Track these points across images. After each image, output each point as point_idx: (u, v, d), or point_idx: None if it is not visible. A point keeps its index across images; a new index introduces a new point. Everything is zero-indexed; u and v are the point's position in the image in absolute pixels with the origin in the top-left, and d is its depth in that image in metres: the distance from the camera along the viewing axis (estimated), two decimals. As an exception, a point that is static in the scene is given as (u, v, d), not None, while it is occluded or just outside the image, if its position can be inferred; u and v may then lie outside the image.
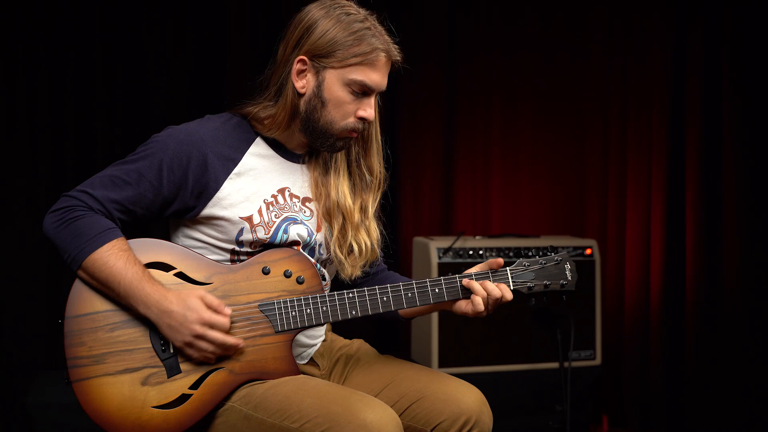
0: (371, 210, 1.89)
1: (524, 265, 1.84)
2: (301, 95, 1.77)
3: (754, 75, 3.25)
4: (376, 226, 1.90)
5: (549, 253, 1.88)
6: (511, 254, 3.27)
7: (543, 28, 3.88)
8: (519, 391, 3.24)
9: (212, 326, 1.64)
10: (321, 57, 1.74)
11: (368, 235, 1.87)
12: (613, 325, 3.65)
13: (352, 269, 1.86)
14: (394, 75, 3.98)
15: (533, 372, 3.28)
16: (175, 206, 1.74)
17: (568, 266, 1.86)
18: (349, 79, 1.74)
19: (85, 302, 1.68)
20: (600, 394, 3.49)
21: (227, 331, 1.67)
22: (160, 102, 3.46)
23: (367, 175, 1.89)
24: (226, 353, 1.68)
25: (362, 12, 1.78)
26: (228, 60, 3.56)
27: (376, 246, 1.89)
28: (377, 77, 1.76)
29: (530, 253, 1.88)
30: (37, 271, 3.32)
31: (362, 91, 1.76)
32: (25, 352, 3.30)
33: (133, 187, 1.70)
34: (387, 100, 3.76)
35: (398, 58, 1.80)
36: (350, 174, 1.89)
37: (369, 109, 1.78)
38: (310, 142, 1.82)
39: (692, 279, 3.41)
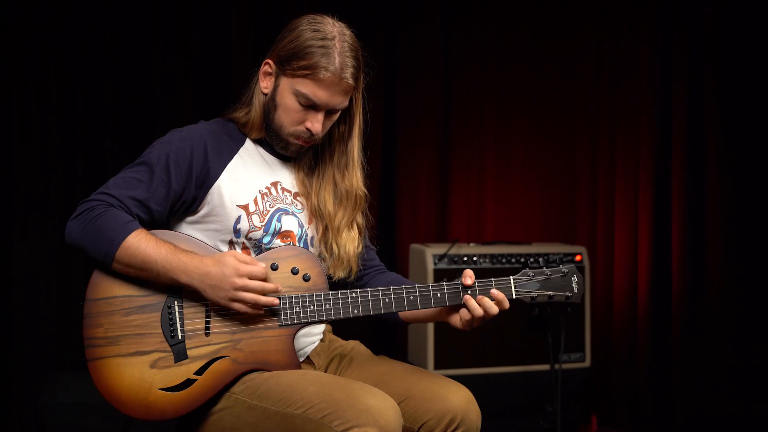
0: (344, 222, 1.93)
1: (529, 275, 1.82)
2: (265, 95, 1.87)
3: (737, 87, 3.33)
4: (354, 238, 1.94)
5: (557, 265, 1.86)
6: (503, 261, 3.32)
7: (534, 41, 3.94)
8: (511, 392, 3.29)
9: (250, 276, 1.69)
10: (281, 63, 1.82)
11: (349, 243, 1.92)
12: (602, 328, 3.70)
13: (334, 270, 1.92)
14: (392, 87, 4.04)
15: (525, 374, 3.33)
16: (183, 198, 1.82)
17: (575, 278, 1.84)
18: (296, 90, 1.80)
19: (105, 287, 1.74)
20: (589, 394, 3.53)
21: (264, 280, 1.72)
22: (166, 120, 3.53)
23: (345, 190, 1.94)
24: (270, 301, 1.72)
25: (335, 31, 1.81)
26: (231, 80, 3.63)
27: (352, 256, 1.93)
28: (323, 95, 1.80)
29: (537, 263, 1.87)
30: (48, 275, 3.40)
31: (308, 104, 1.81)
32: (37, 354, 3.36)
33: (146, 184, 1.78)
34: (385, 113, 3.88)
35: (350, 82, 1.81)
36: (335, 182, 1.95)
37: (316, 124, 1.82)
38: (269, 141, 1.90)
39: (678, 283, 3.47)
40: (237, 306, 1.71)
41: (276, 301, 1.73)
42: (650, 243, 3.59)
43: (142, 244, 1.70)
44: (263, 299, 1.72)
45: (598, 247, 3.79)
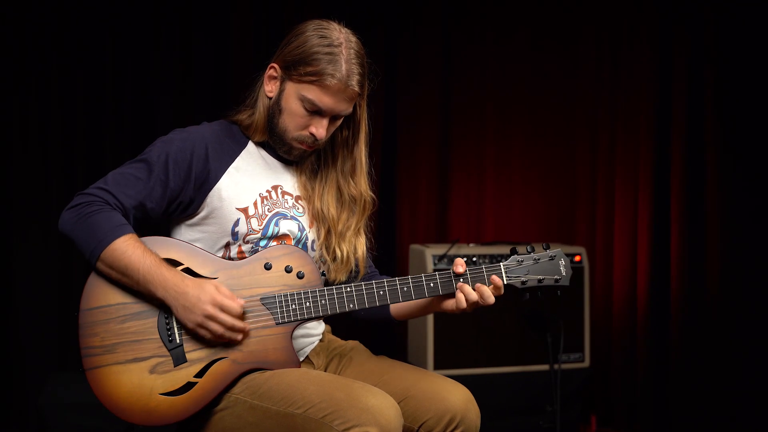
0: (353, 229, 1.95)
1: (518, 261, 1.85)
2: (269, 99, 1.89)
3: (737, 88, 3.34)
4: (362, 243, 1.97)
5: (543, 250, 1.88)
6: (503, 261, 3.34)
7: (534, 42, 3.95)
8: (511, 392, 3.29)
9: (223, 309, 1.70)
10: (287, 68, 1.84)
11: (353, 248, 1.94)
12: (601, 328, 3.71)
13: (335, 274, 1.94)
14: (392, 88, 4.05)
15: (525, 374, 3.33)
16: (180, 199, 1.83)
17: (562, 262, 1.87)
18: (302, 95, 1.81)
19: (98, 296, 1.75)
20: (589, 394, 3.55)
21: (238, 317, 1.73)
22: (167, 120, 3.54)
23: (349, 195, 1.96)
24: (234, 337, 1.73)
25: (342, 38, 1.82)
26: (231, 80, 3.64)
27: (360, 260, 1.95)
28: (329, 101, 1.81)
29: (526, 250, 1.90)
30: (49, 275, 3.41)
31: (313, 109, 1.82)
32: (38, 353, 3.38)
33: (143, 182, 1.79)
34: (385, 114, 3.89)
35: (355, 89, 1.82)
36: (339, 187, 1.96)
37: (320, 129, 1.84)
38: (272, 144, 1.91)
39: (677, 284, 3.48)
40: (202, 332, 1.72)
41: (238, 337, 1.74)
42: (649, 243, 3.60)
43: (129, 250, 1.71)
44: (228, 334, 1.73)
45: (598, 248, 3.81)
